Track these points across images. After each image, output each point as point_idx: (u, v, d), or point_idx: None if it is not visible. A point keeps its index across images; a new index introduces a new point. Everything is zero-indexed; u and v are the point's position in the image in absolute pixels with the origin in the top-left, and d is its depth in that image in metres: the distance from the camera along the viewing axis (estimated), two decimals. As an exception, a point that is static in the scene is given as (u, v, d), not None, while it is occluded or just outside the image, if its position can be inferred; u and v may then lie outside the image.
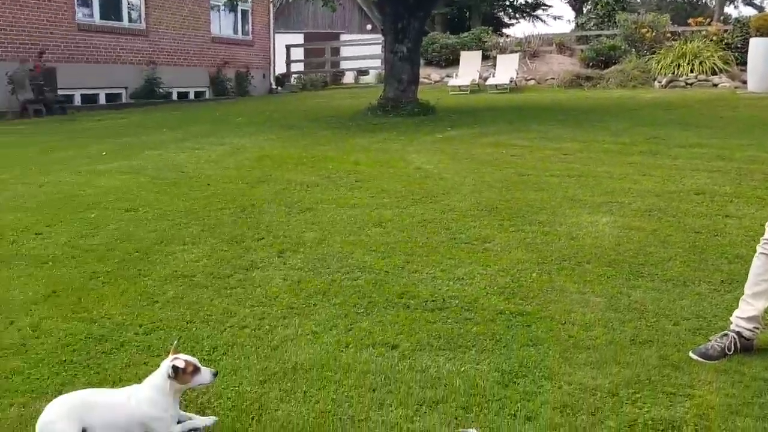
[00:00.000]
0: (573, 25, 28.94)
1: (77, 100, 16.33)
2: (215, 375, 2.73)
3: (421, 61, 23.41)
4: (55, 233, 5.29)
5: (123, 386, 2.76)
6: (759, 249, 3.26)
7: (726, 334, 3.28)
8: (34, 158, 8.62)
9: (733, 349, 3.23)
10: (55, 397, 2.63)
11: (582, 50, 20.76)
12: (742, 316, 3.30)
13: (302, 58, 27.21)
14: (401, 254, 4.81)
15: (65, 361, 3.24)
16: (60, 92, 15.13)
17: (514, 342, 3.39)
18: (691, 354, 3.21)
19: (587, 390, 2.89)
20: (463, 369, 3.11)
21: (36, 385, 2.99)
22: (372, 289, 4.16)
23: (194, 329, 3.59)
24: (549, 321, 3.63)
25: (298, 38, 28.54)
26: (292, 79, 25.90)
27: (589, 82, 18.70)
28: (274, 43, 24.81)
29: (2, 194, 6.50)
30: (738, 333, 3.27)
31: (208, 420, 2.70)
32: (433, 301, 3.97)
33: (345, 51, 27.45)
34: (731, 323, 3.33)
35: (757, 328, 3.30)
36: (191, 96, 20.38)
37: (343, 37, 29.50)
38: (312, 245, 5.02)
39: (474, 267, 4.52)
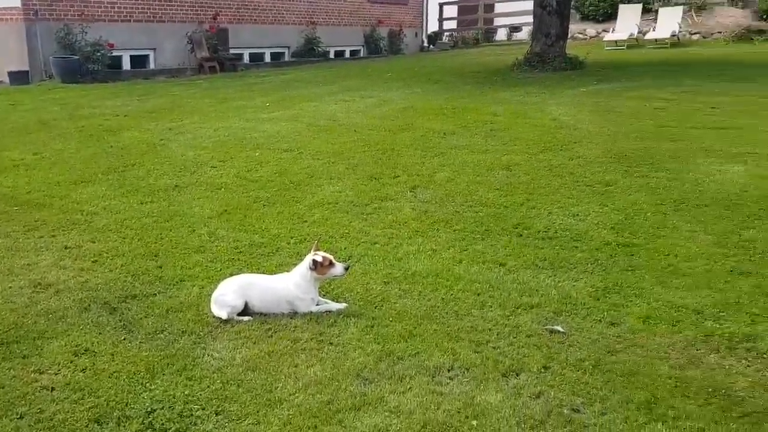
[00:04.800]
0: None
1: (246, 59, 17.82)
2: (347, 269, 3.35)
3: (577, 16, 22.74)
4: (227, 167, 6.21)
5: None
6: None
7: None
8: (210, 107, 9.80)
9: None
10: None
11: (757, 1, 19.08)
12: None
13: (455, 15, 27.33)
14: (523, 193, 5.18)
15: (233, 259, 4.03)
16: (232, 51, 16.65)
17: (614, 267, 3.70)
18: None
19: (673, 307, 3.18)
20: (560, 284, 3.50)
21: (211, 274, 3.78)
22: (490, 220, 4.60)
23: (334, 242, 4.25)
24: (652, 252, 3.88)
25: (452, -5, 28.62)
26: (444, 37, 26.15)
27: (761, 35, 17.26)
28: (427, 2, 25.17)
29: (185, 135, 7.60)
30: None
31: (340, 305, 3.33)
32: (545, 231, 4.34)
33: (498, 7, 27.17)
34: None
35: None
36: (347, 54, 21.39)
37: (498, -7, 29.10)
38: (441, 183, 5.51)
39: (590, 206, 4.79)
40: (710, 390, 2.47)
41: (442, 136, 7.32)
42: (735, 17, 19.24)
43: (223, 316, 3.17)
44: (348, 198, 5.19)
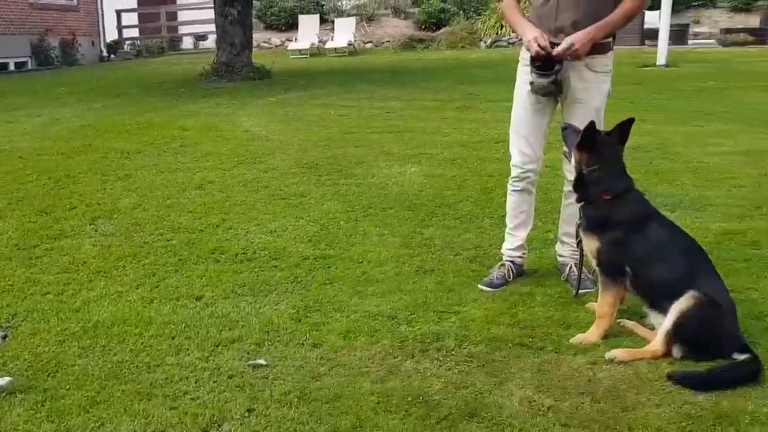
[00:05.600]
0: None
1: None
2: (5, 337, 2.76)
3: (261, 25, 23.14)
4: None
5: None
6: (509, 188, 3.69)
7: (503, 264, 3.71)
8: None
9: (511, 275, 3.68)
10: None
11: (416, 13, 21.47)
12: (511, 247, 3.75)
13: (136, 23, 25.75)
14: (218, 213, 4.94)
15: None
16: None
17: (313, 282, 3.67)
18: (479, 286, 3.58)
19: (370, 316, 3.23)
20: (261, 310, 3.35)
21: None
22: (184, 248, 4.27)
23: (-8, 300, 3.53)
24: (348, 261, 3.95)
25: (131, 2, 26.90)
26: (126, 46, 24.51)
27: (422, 44, 19.48)
28: (102, 8, 23.28)
29: None
30: (511, 261, 3.72)
31: (2, 381, 2.73)
32: (243, 253, 4.16)
33: (182, 15, 26.31)
34: (503, 255, 3.76)
35: (525, 254, 3.79)
36: (11, 67, 18.77)
37: (180, 1, 28.18)
38: (127, 211, 5.01)
39: (287, 220, 4.75)
40: (410, 399, 2.52)
41: (126, 156, 6.73)
42: (399, 27, 21.39)
43: None
44: (11, 241, 4.42)
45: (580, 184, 3.04)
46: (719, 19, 21.88)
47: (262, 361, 2.85)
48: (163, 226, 4.67)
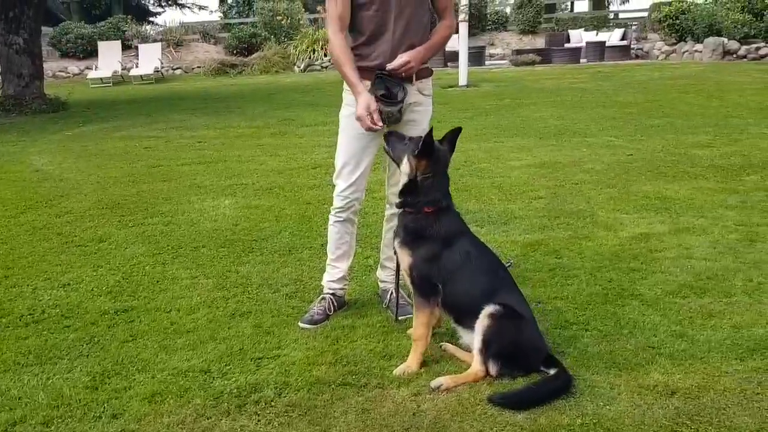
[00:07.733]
0: (217, 15, 29.18)
1: None
2: None
3: (56, 54, 21.35)
4: None
5: None
6: (332, 219, 3.54)
7: (323, 298, 3.55)
8: None
9: (332, 309, 3.52)
10: None
11: (226, 38, 21.02)
12: (332, 279, 3.59)
13: None
14: (0, 269, 4.31)
15: None
16: None
17: (113, 341, 3.27)
18: (299, 324, 3.38)
19: (180, 373, 2.92)
20: (49, 381, 2.90)
21: None
22: (-46, 315, 3.65)
23: None
24: (154, 312, 3.59)
25: None
26: None
27: (234, 69, 19.06)
28: None
29: None
30: (333, 294, 3.57)
31: None
32: (29, 314, 3.63)
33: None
34: (324, 287, 3.61)
35: (347, 285, 3.67)
36: None
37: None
38: None
39: (83, 270, 4.26)
40: (224, 467, 2.28)
41: None
42: (210, 52, 20.79)
43: None
44: None
45: (408, 191, 2.97)
46: (511, 41, 23.87)
47: (48, 446, 2.44)
48: (-74, 291, 3.97)
